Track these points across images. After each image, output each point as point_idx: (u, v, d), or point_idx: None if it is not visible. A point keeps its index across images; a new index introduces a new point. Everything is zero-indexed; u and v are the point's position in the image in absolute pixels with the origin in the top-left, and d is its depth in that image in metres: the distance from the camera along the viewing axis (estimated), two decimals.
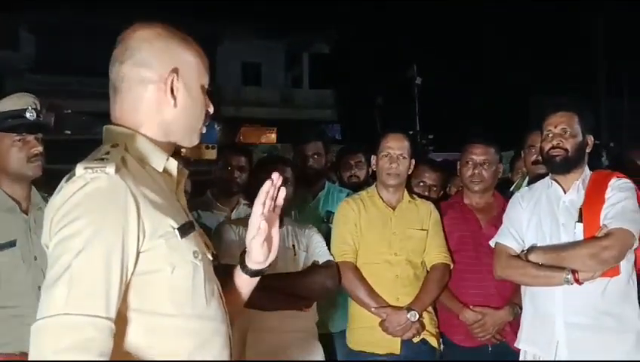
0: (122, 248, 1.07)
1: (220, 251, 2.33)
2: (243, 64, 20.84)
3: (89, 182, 1.08)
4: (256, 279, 1.44)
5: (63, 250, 1.04)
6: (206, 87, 1.32)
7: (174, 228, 1.17)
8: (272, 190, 1.30)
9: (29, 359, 0.99)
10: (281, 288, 2.40)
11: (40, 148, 2.08)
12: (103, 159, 1.12)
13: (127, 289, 1.10)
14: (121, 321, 1.08)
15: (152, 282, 1.13)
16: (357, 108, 18.52)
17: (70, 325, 0.99)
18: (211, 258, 1.30)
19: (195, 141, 1.33)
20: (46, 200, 2.11)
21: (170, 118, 1.26)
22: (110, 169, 1.09)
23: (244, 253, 1.41)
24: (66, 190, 1.09)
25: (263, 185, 1.31)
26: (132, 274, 1.10)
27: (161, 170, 1.25)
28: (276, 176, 1.30)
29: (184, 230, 1.19)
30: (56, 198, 1.11)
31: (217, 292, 1.29)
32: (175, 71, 1.24)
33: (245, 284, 1.44)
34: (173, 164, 1.28)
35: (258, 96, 20.43)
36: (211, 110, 1.35)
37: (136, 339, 1.12)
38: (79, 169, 1.10)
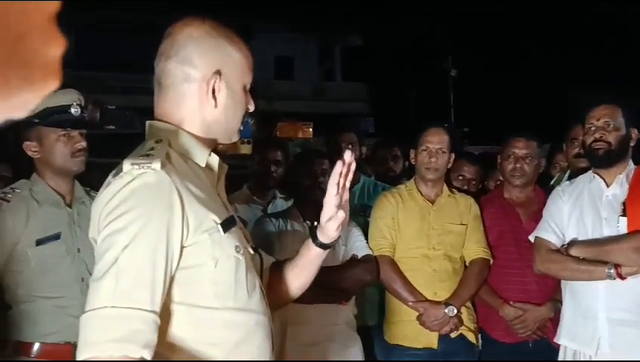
0: (167, 243, 1.09)
1: (260, 243, 2.38)
2: (276, 58, 20.88)
3: (136, 177, 1.10)
4: (327, 252, 1.45)
5: (110, 244, 1.07)
6: (248, 86, 1.33)
7: (217, 223, 1.19)
8: (345, 169, 1.29)
9: (78, 350, 1.02)
10: (320, 282, 2.40)
11: (84, 144, 2.11)
12: (148, 155, 1.14)
13: (172, 283, 1.13)
14: (166, 314, 1.11)
15: (196, 276, 1.16)
16: (391, 102, 18.40)
17: (117, 317, 1.02)
18: (252, 251, 1.32)
19: (235, 138, 1.35)
20: (89, 194, 2.18)
21: (211, 118, 1.27)
22: (156, 165, 1.11)
23: (315, 227, 1.41)
24: (114, 185, 1.12)
25: (336, 166, 1.29)
26: (176, 268, 1.13)
27: (203, 165, 1.26)
28: (348, 155, 1.28)
29: (226, 225, 1.21)
30: (104, 193, 1.14)
31: (258, 285, 1.31)
32: (218, 73, 1.25)
33: (316, 257, 1.44)
34: (214, 160, 1.29)
35: (290, 89, 20.44)
36: (252, 108, 1.36)
37: (180, 332, 1.15)
38: (126, 165, 1.12)
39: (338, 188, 1.30)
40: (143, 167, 1.11)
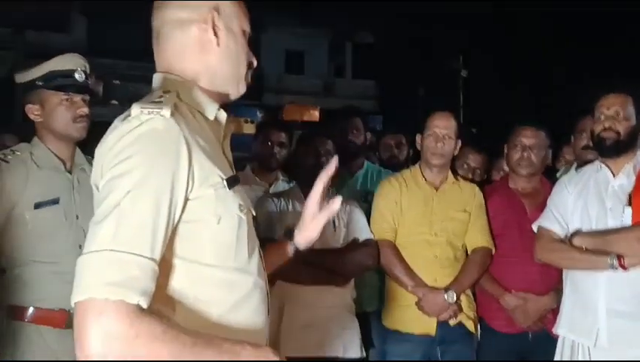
0: (172, 191, 1.06)
1: (261, 223, 2.36)
2: (287, 52, 20.87)
3: (144, 122, 1.07)
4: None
5: (113, 187, 1.04)
6: (247, 32, 1.30)
7: (223, 179, 1.16)
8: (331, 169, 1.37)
9: (73, 292, 0.99)
10: (319, 263, 2.39)
11: (86, 110, 2.09)
12: (158, 102, 1.11)
13: (173, 236, 1.09)
14: (164, 268, 1.08)
15: (198, 231, 1.13)
16: (400, 100, 18.34)
17: (115, 261, 0.99)
18: (254, 213, 1.29)
19: (242, 90, 1.32)
20: (89, 163, 2.16)
21: (215, 61, 1.24)
22: (166, 112, 1.08)
23: (291, 229, 1.45)
24: (121, 129, 1.09)
25: (328, 168, 1.36)
26: (179, 220, 1.10)
27: (212, 118, 1.24)
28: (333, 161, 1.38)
29: (231, 182, 1.18)
30: (110, 137, 1.10)
31: (257, 248, 1.29)
32: (216, 9, 1.23)
33: (281, 257, 1.54)
34: (223, 115, 1.26)
35: (300, 84, 20.45)
36: (254, 62, 1.34)
37: (179, 286, 1.12)
38: (135, 109, 1.09)
39: (322, 189, 1.38)
40: (152, 113, 1.08)
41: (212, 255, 1.15)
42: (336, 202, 1.43)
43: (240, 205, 1.20)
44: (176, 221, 1.09)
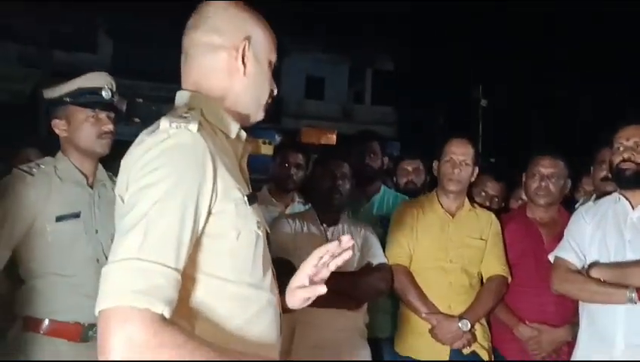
0: (197, 204, 1.08)
1: (274, 243, 2.37)
2: (307, 77, 21.10)
3: (171, 136, 1.10)
4: None
5: (141, 198, 1.06)
6: (273, 63, 1.35)
7: (244, 195, 1.19)
8: (337, 250, 1.32)
9: (98, 299, 1.00)
10: (332, 286, 2.38)
11: (111, 127, 2.14)
12: (185, 117, 1.14)
13: (194, 249, 1.11)
14: (185, 280, 1.09)
15: (217, 245, 1.15)
16: (418, 127, 18.38)
17: (142, 269, 1.00)
18: (269, 231, 1.31)
19: (260, 116, 1.35)
20: (111, 179, 2.20)
21: (239, 87, 1.28)
22: (193, 126, 1.11)
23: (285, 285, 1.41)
24: (148, 142, 1.11)
25: (331, 245, 1.32)
26: (201, 233, 1.12)
27: (233, 136, 1.27)
28: (346, 240, 1.31)
29: (250, 199, 1.21)
30: (137, 149, 1.13)
31: (271, 266, 1.30)
32: (247, 39, 1.27)
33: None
34: (243, 134, 1.30)
35: (319, 109, 20.62)
36: (275, 90, 1.38)
37: (197, 299, 1.14)
38: (164, 122, 1.12)
39: (318, 262, 1.33)
40: (180, 127, 1.11)
41: (230, 269, 1.17)
42: (322, 289, 1.34)
43: (258, 222, 1.22)
44: (199, 233, 1.11)
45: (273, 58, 1.34)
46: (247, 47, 1.27)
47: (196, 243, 1.11)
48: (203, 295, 1.14)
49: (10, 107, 15.54)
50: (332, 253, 1.33)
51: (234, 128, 1.27)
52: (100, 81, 2.12)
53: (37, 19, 14.30)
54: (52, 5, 13.81)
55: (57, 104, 2.11)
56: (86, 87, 2.09)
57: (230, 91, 1.28)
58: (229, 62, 1.26)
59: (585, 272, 2.30)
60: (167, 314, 1.01)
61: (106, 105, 2.13)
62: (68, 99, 2.09)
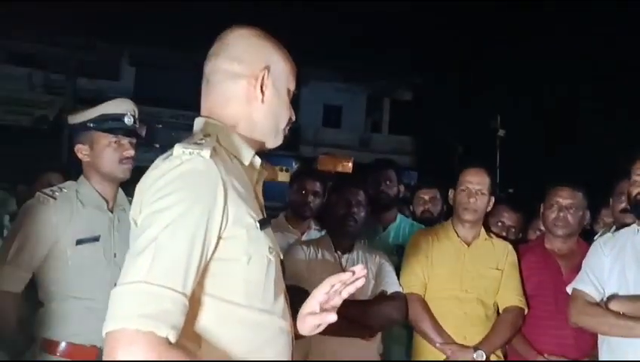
0: (206, 230, 1.10)
1: (288, 270, 2.36)
2: (325, 106, 21.27)
3: (185, 162, 1.13)
4: None
5: (152, 222, 1.08)
6: (292, 91, 1.37)
7: (255, 220, 1.20)
8: (350, 279, 1.31)
9: (106, 321, 1.02)
10: (346, 314, 2.35)
11: (132, 153, 2.19)
12: (199, 144, 1.17)
13: (204, 273, 1.13)
14: (194, 303, 1.11)
15: (228, 270, 1.16)
16: (436, 157, 18.33)
17: (149, 294, 1.02)
18: (282, 257, 1.32)
19: (278, 142, 1.37)
20: (130, 203, 2.23)
21: (257, 114, 1.30)
22: (206, 153, 1.14)
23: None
24: (162, 167, 1.14)
25: (344, 275, 1.31)
26: (210, 258, 1.13)
27: (247, 163, 1.29)
28: (359, 269, 1.31)
29: (263, 223, 1.22)
30: (151, 174, 1.16)
31: (284, 292, 1.31)
32: (267, 68, 1.29)
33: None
34: (257, 160, 1.32)
35: (337, 138, 20.71)
36: (294, 117, 1.40)
37: (206, 323, 1.14)
38: (177, 149, 1.15)
39: (330, 289, 1.31)
40: (193, 153, 1.13)
41: (240, 294, 1.18)
42: (332, 317, 1.32)
43: (270, 247, 1.23)
44: (208, 258, 1.12)
45: (292, 86, 1.37)
46: (266, 75, 1.29)
47: (206, 268, 1.13)
48: (212, 319, 1.15)
49: (35, 132, 15.90)
50: (345, 282, 1.32)
51: (248, 155, 1.29)
52: (123, 108, 2.17)
53: (62, 48, 14.69)
54: (77, 35, 14.19)
55: (81, 129, 2.16)
56: (109, 113, 2.14)
57: (248, 118, 1.30)
58: (247, 89, 1.29)
59: (604, 305, 2.26)
60: (172, 338, 1.02)
61: (128, 132, 2.17)
62: (91, 125, 2.14)
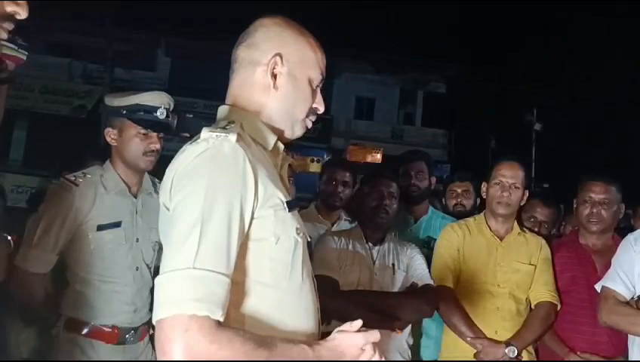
0: (241, 210, 1.12)
1: (318, 260, 2.37)
2: (357, 98, 21.19)
3: (212, 145, 1.14)
4: None
5: (187, 207, 1.10)
6: (315, 81, 1.34)
7: (283, 201, 1.21)
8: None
9: (156, 309, 1.04)
10: (376, 306, 2.36)
11: (158, 146, 2.21)
12: (225, 128, 1.18)
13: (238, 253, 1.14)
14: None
15: (257, 249, 1.17)
16: (469, 150, 18.11)
17: (198, 278, 1.04)
18: (309, 239, 1.32)
19: (297, 133, 1.36)
20: (155, 185, 2.26)
21: (273, 103, 1.30)
22: (232, 137, 1.15)
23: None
24: (190, 151, 1.16)
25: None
26: (245, 238, 1.14)
27: (270, 148, 1.30)
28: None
29: (290, 205, 1.23)
30: (179, 158, 1.17)
31: (311, 273, 1.31)
32: (279, 55, 1.29)
33: None
34: (280, 146, 1.33)
35: (369, 130, 20.63)
36: (321, 108, 1.37)
37: (239, 303, 1.15)
38: (204, 133, 1.16)
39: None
40: (220, 137, 1.15)
41: (268, 274, 1.19)
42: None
43: (297, 228, 1.24)
44: (243, 238, 1.14)
45: (315, 76, 1.34)
46: (278, 63, 1.29)
47: (240, 248, 1.14)
48: (243, 298, 1.16)
49: (73, 121, 16.27)
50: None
51: (271, 140, 1.30)
52: (158, 101, 2.18)
53: (100, 39, 14.98)
54: (114, 25, 14.45)
55: (114, 114, 2.20)
56: (143, 104, 2.16)
57: (264, 106, 1.31)
58: (263, 78, 1.30)
59: (634, 304, 2.21)
60: (222, 319, 1.04)
61: (158, 125, 2.18)
62: (124, 112, 2.17)
